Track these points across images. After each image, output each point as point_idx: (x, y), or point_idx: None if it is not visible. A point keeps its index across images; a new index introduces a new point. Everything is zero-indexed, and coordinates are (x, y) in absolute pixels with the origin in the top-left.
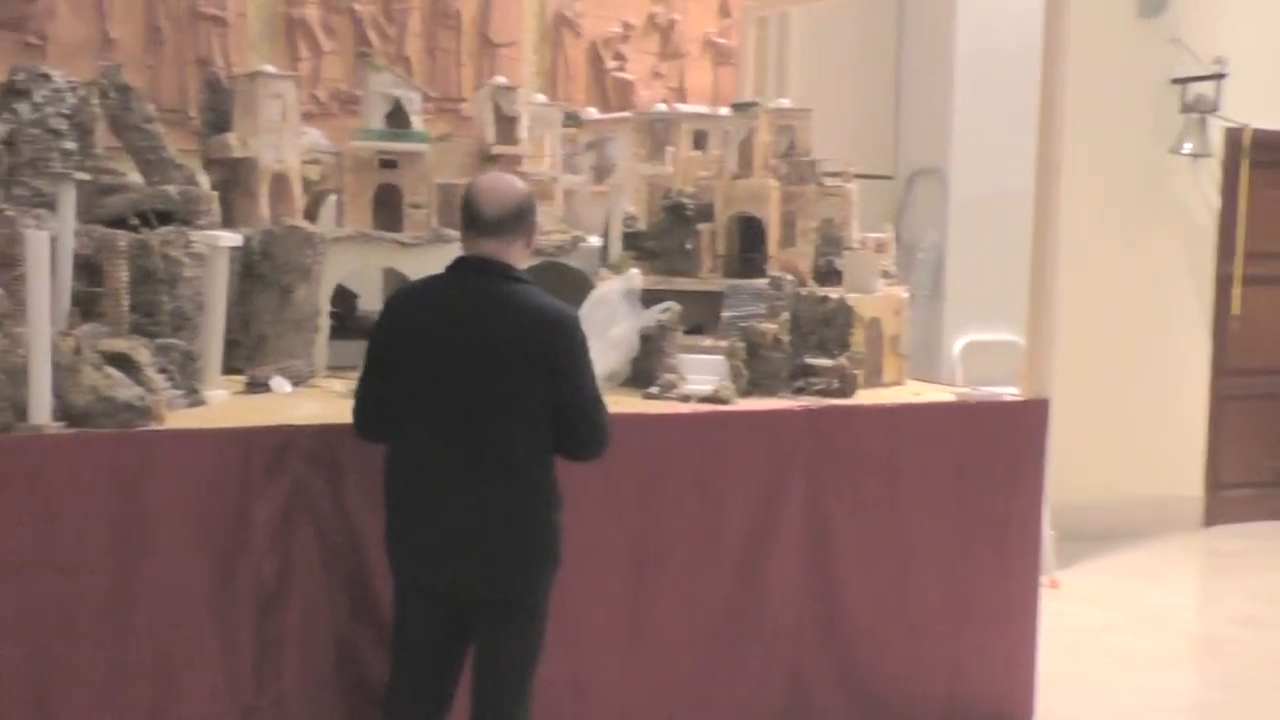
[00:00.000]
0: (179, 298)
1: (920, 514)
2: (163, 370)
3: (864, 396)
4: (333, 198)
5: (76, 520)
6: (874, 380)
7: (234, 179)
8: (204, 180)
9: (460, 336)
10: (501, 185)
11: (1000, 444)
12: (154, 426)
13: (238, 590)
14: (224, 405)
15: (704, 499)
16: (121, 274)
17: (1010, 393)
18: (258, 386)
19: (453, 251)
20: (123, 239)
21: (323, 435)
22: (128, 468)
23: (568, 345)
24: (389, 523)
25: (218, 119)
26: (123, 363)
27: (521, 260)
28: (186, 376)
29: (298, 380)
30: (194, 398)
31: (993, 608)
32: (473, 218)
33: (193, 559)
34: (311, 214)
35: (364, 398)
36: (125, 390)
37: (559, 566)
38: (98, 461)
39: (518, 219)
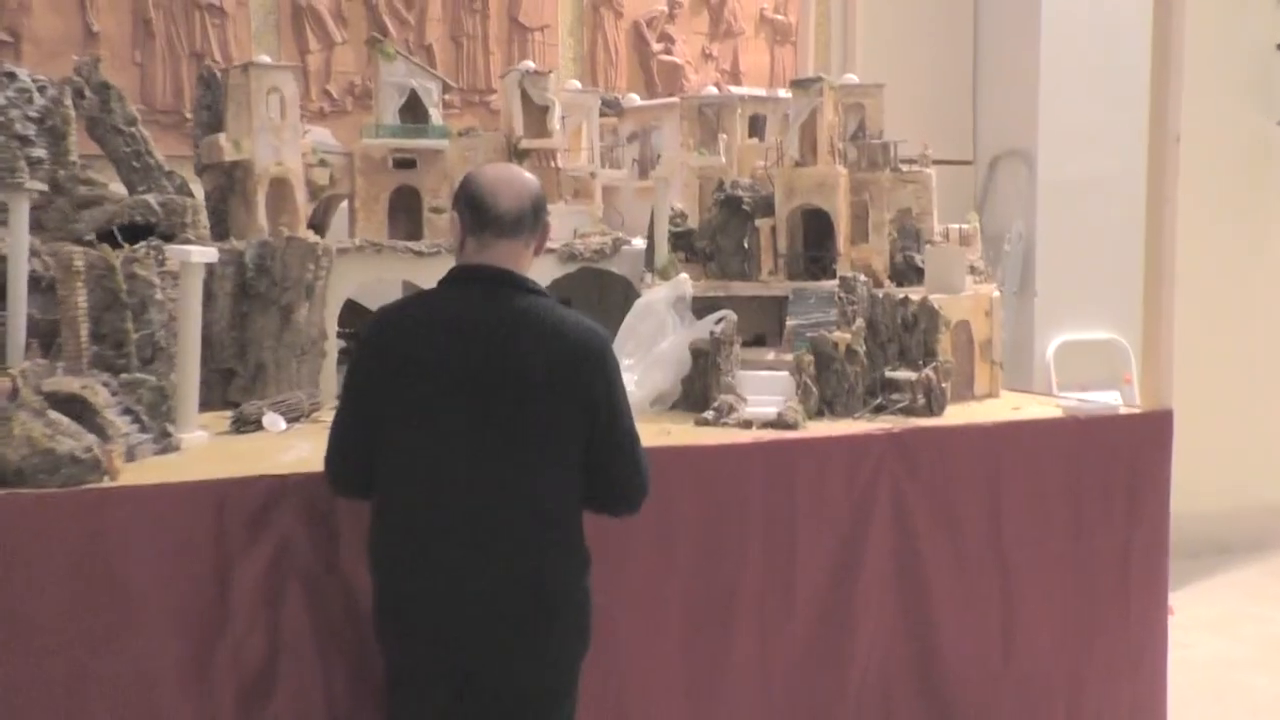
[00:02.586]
0: (149, 324)
1: (1027, 548)
2: (127, 411)
3: (954, 413)
4: (345, 204)
5: (18, 597)
6: (964, 393)
7: (229, 185)
8: (199, 190)
9: (468, 366)
10: (514, 176)
11: (1118, 463)
12: (106, 483)
13: (215, 674)
14: (202, 450)
15: (772, 542)
16: (78, 298)
17: (1114, 401)
18: (246, 425)
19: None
20: (79, 257)
21: (315, 484)
22: (76, 533)
23: (602, 374)
24: (379, 599)
25: (214, 119)
26: (77, 405)
27: (530, 267)
28: (157, 417)
29: (296, 415)
30: (165, 442)
31: (1115, 653)
32: (485, 215)
33: (160, 640)
34: (321, 223)
35: (341, 446)
36: (68, 441)
37: (589, 644)
38: (38, 527)
39: (535, 217)
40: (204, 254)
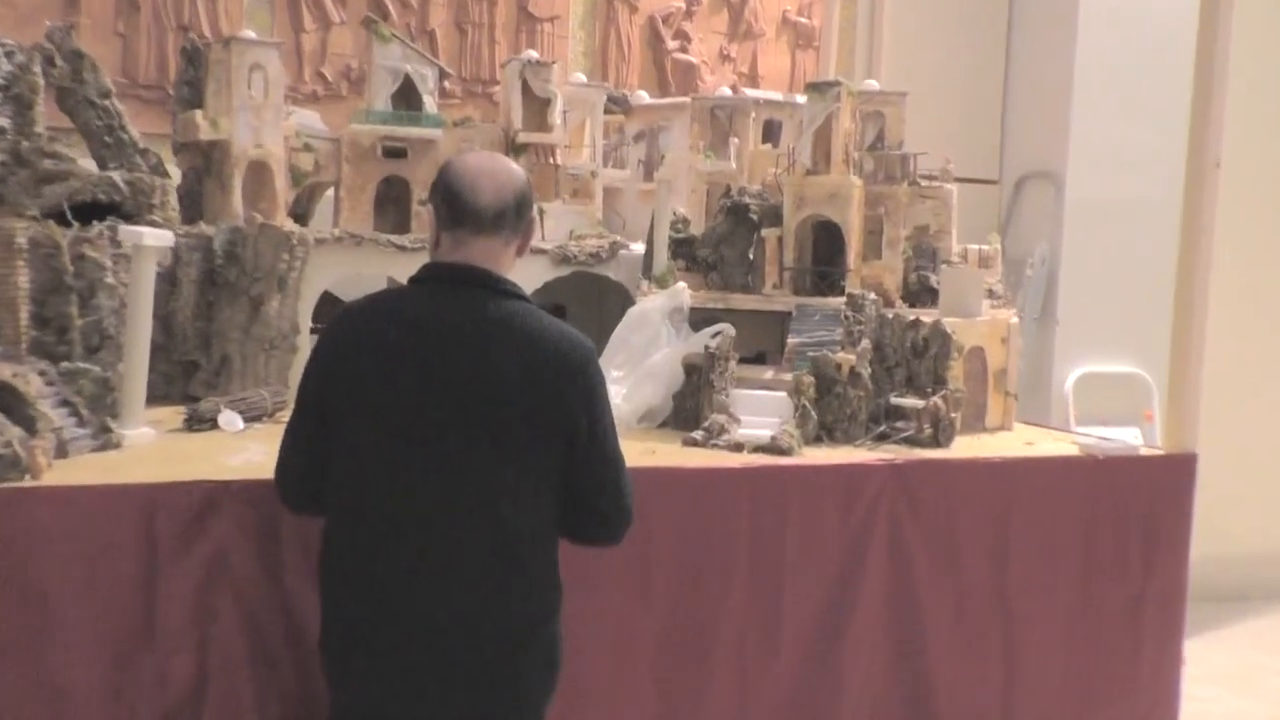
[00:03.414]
0: (97, 310)
1: (1033, 596)
2: (65, 403)
3: (963, 446)
4: (330, 192)
5: None
6: (975, 425)
7: (205, 167)
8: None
9: (434, 376)
10: (498, 167)
11: (1136, 508)
12: (28, 481)
13: (137, 694)
14: (145, 449)
15: (757, 577)
16: (18, 278)
17: (1134, 438)
18: (201, 423)
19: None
20: (21, 233)
21: (260, 492)
22: None
23: (583, 389)
24: (328, 634)
25: (196, 96)
26: (5, 395)
27: (511, 269)
28: (98, 411)
29: (257, 415)
30: (105, 439)
31: (1124, 713)
32: (462, 209)
33: (78, 652)
34: (304, 211)
35: (292, 456)
36: None
37: (557, 684)
38: None
39: (518, 213)
40: (158, 237)
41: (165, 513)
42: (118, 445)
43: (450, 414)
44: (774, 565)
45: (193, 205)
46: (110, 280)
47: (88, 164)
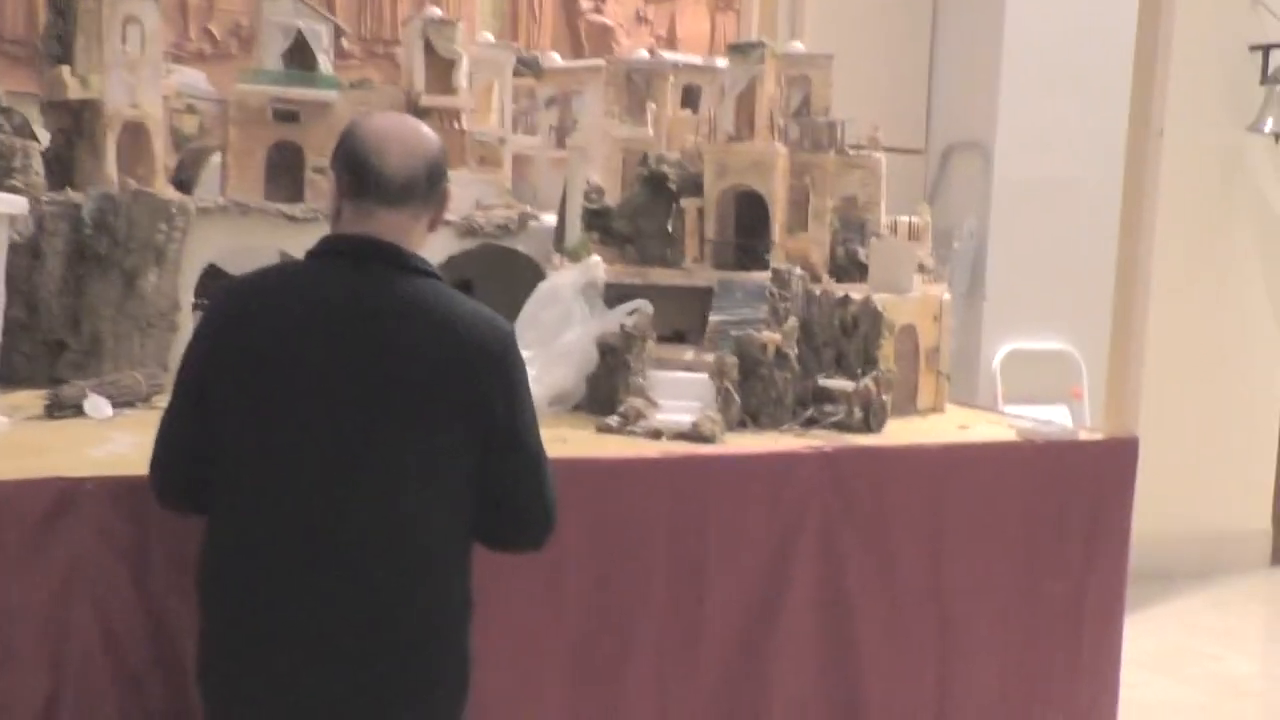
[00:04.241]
0: None
1: (969, 593)
2: None
3: (895, 431)
4: (217, 158)
5: None
6: (907, 407)
7: (75, 129)
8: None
9: (329, 360)
10: (408, 131)
11: (1076, 497)
12: None
13: None
14: None
15: (677, 577)
16: None
17: (1063, 416)
18: (63, 410)
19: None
20: None
21: (124, 489)
22: None
23: (501, 377)
24: (206, 652)
25: (65, 52)
26: None
27: (422, 245)
28: None
29: (129, 400)
30: None
31: (1063, 710)
32: (367, 177)
33: None
34: (189, 177)
35: (169, 448)
36: None
37: (467, 704)
38: None
39: (430, 183)
40: (8, 203)
41: (9, 515)
42: None
43: (349, 403)
44: (696, 563)
45: (63, 171)
46: None
47: None
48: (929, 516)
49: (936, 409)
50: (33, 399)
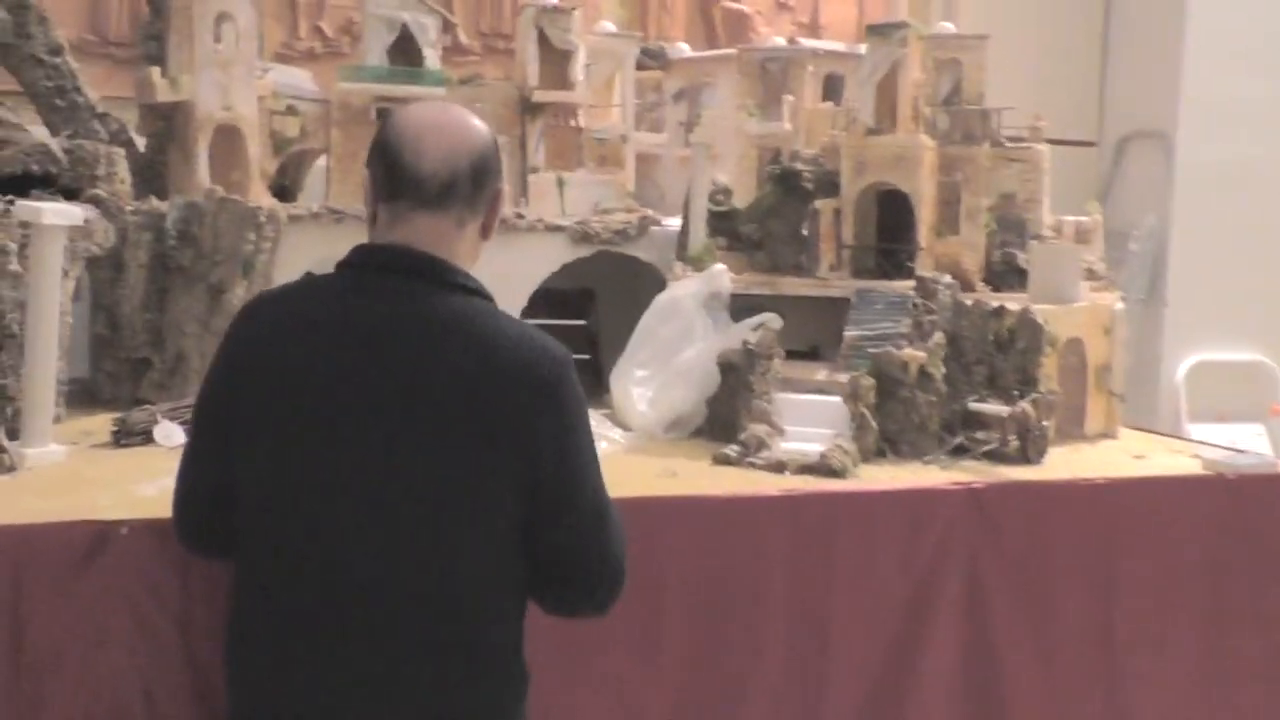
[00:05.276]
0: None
1: (1146, 651)
2: None
3: (1057, 462)
4: (322, 162)
5: None
6: (1072, 431)
7: (167, 133)
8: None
9: (363, 390)
10: (450, 122)
11: (1275, 539)
12: None
13: None
14: (44, 473)
15: (797, 632)
16: None
17: (1259, 436)
18: (131, 437)
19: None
20: None
21: (168, 533)
22: None
23: (553, 411)
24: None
25: (162, 52)
26: None
27: (472, 256)
28: None
29: None
30: None
31: None
32: (400, 175)
33: None
34: (292, 183)
35: (189, 488)
36: None
37: None
38: None
39: (476, 183)
40: (60, 213)
41: (38, 560)
42: (10, 469)
43: (375, 441)
44: (819, 618)
45: (156, 178)
46: (14, 267)
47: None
48: (1096, 564)
49: (1108, 435)
50: (107, 424)
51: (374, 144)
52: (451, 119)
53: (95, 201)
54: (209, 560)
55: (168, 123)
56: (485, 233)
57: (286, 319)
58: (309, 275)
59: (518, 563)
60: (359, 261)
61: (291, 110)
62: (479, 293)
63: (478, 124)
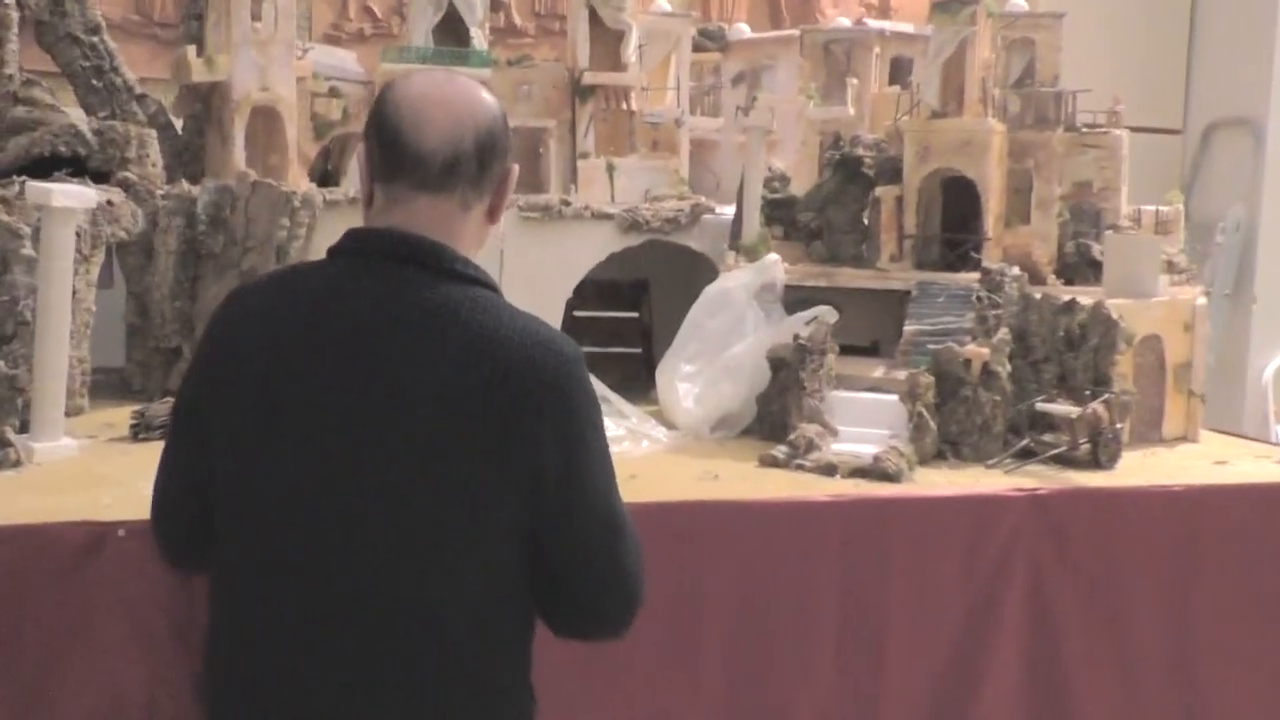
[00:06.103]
0: (12, 289)
1: (1229, 668)
2: None
3: (1131, 466)
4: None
5: None
6: (1149, 435)
7: (205, 115)
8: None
9: (349, 387)
10: (455, 96)
11: None
12: None
13: None
14: (52, 468)
15: (848, 647)
16: None
17: None
18: (149, 431)
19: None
20: None
21: None
22: None
23: (559, 407)
24: None
25: (203, 32)
26: None
27: (477, 241)
28: None
29: None
30: (2, 454)
31: None
32: (399, 154)
33: None
34: (336, 167)
35: (165, 492)
36: None
37: None
38: None
39: (483, 162)
40: (72, 195)
41: (35, 562)
42: (16, 463)
43: (364, 444)
44: (871, 635)
45: (194, 161)
46: (28, 251)
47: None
48: (1173, 577)
49: (1187, 438)
50: (105, 422)
51: (370, 118)
52: (456, 91)
53: (124, 185)
54: (190, 573)
55: (205, 104)
56: (492, 216)
57: (268, 312)
58: (297, 263)
59: (519, 580)
60: (351, 248)
61: (334, 92)
62: (481, 282)
63: (486, 96)
